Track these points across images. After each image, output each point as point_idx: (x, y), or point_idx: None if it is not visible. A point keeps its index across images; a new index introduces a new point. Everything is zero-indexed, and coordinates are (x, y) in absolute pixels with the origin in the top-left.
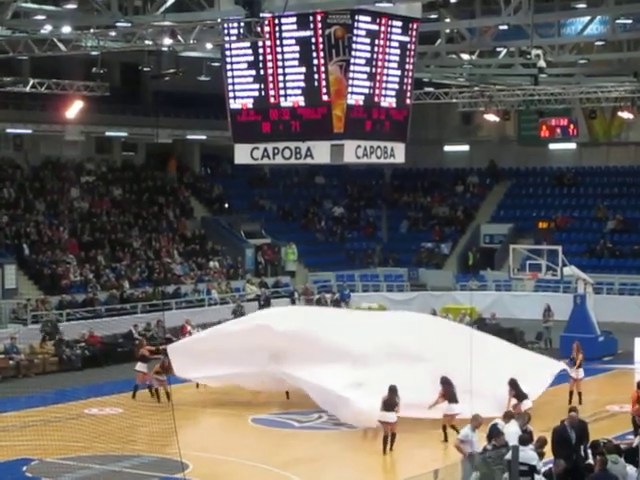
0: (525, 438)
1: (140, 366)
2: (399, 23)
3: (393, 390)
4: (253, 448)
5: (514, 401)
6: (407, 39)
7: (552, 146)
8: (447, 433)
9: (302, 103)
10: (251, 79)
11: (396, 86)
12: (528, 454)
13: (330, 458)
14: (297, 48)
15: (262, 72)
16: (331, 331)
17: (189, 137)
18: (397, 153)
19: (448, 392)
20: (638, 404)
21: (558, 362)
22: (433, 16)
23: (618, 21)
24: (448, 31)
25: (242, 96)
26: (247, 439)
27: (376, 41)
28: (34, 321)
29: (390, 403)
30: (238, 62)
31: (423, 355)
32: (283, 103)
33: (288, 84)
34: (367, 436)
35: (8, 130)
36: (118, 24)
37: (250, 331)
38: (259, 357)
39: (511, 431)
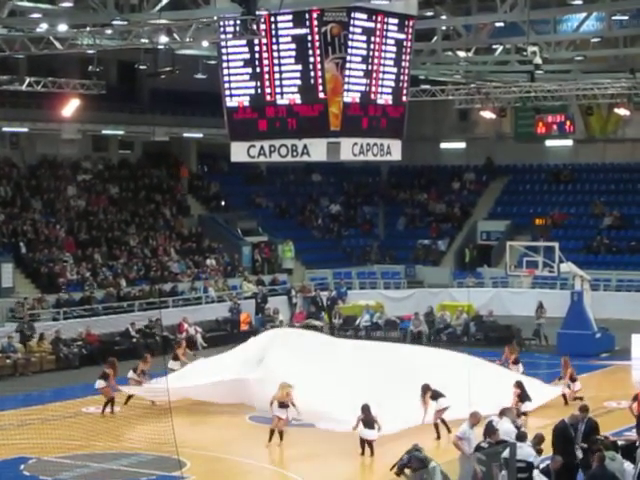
0: (523, 434)
1: (172, 364)
2: (395, 20)
3: (366, 408)
4: (250, 446)
5: (516, 401)
6: (403, 36)
7: (548, 143)
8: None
9: (298, 101)
10: (247, 77)
11: (392, 83)
12: (525, 450)
13: (327, 455)
14: (293, 46)
15: (258, 70)
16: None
17: (185, 135)
18: (394, 150)
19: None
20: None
21: (555, 388)
22: (429, 13)
23: (614, 17)
24: (444, 28)
25: (238, 94)
26: (244, 437)
27: (372, 38)
28: (31, 320)
29: (368, 421)
30: (234, 60)
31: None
32: (279, 101)
33: (284, 82)
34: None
35: (4, 128)
36: (114, 22)
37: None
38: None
39: (504, 428)
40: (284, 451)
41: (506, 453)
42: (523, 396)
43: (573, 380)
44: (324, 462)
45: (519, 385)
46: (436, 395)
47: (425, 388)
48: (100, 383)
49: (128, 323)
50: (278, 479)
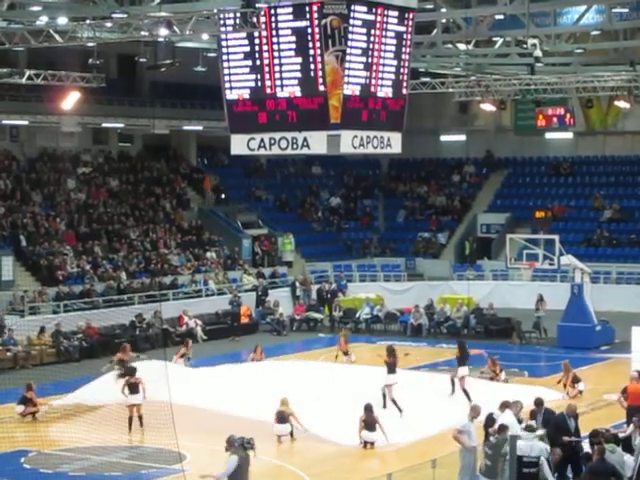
0: (532, 427)
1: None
2: (395, 13)
3: (369, 409)
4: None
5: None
6: (403, 29)
7: (548, 135)
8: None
9: (298, 93)
10: (247, 69)
11: (392, 76)
12: (538, 447)
13: (326, 447)
14: (293, 38)
15: (258, 62)
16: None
17: (185, 128)
18: (394, 143)
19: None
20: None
21: (554, 393)
22: (429, 6)
23: (614, 10)
24: (444, 21)
25: (238, 86)
26: (244, 429)
27: (372, 31)
28: (31, 312)
29: (370, 422)
30: (234, 53)
31: None
32: (279, 93)
33: (284, 74)
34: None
35: (4, 121)
36: (114, 15)
37: None
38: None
39: (507, 422)
40: (284, 444)
41: (519, 450)
42: (461, 359)
43: (576, 382)
44: (324, 454)
45: (461, 347)
46: (389, 369)
47: (390, 351)
48: (20, 408)
49: (133, 315)
50: (278, 472)
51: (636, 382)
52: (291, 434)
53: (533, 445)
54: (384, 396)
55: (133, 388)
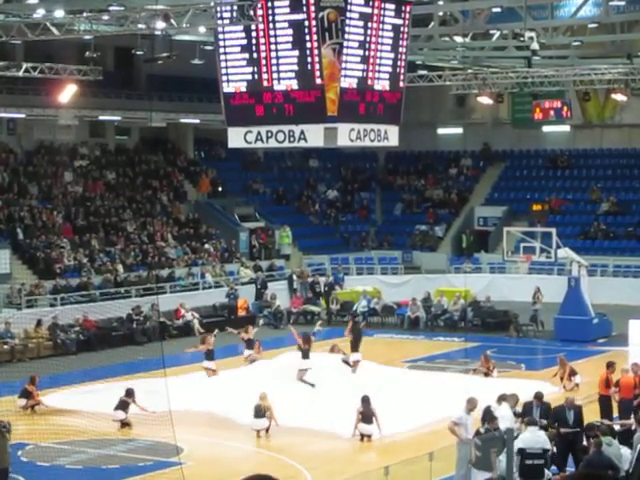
0: (533, 420)
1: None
2: (392, 6)
3: (366, 400)
4: (247, 431)
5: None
6: (400, 22)
7: (546, 128)
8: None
9: (295, 86)
10: (244, 62)
11: (389, 69)
12: (542, 438)
13: (324, 441)
14: (290, 31)
15: (255, 55)
16: None
17: (182, 121)
18: (391, 136)
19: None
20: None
21: (550, 386)
22: None
23: (611, 3)
24: (441, 14)
25: (235, 79)
26: (241, 422)
27: (369, 24)
28: (28, 305)
29: (367, 415)
30: (231, 45)
31: None
32: (276, 86)
33: (281, 67)
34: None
35: (1, 114)
36: (111, 8)
37: None
38: None
39: (504, 414)
40: (280, 437)
41: (519, 443)
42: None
43: (573, 375)
44: (321, 447)
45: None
46: (303, 354)
47: (306, 338)
48: (22, 402)
49: (130, 308)
50: (274, 464)
51: (630, 375)
52: (266, 430)
53: (538, 437)
54: (303, 381)
55: (122, 405)
